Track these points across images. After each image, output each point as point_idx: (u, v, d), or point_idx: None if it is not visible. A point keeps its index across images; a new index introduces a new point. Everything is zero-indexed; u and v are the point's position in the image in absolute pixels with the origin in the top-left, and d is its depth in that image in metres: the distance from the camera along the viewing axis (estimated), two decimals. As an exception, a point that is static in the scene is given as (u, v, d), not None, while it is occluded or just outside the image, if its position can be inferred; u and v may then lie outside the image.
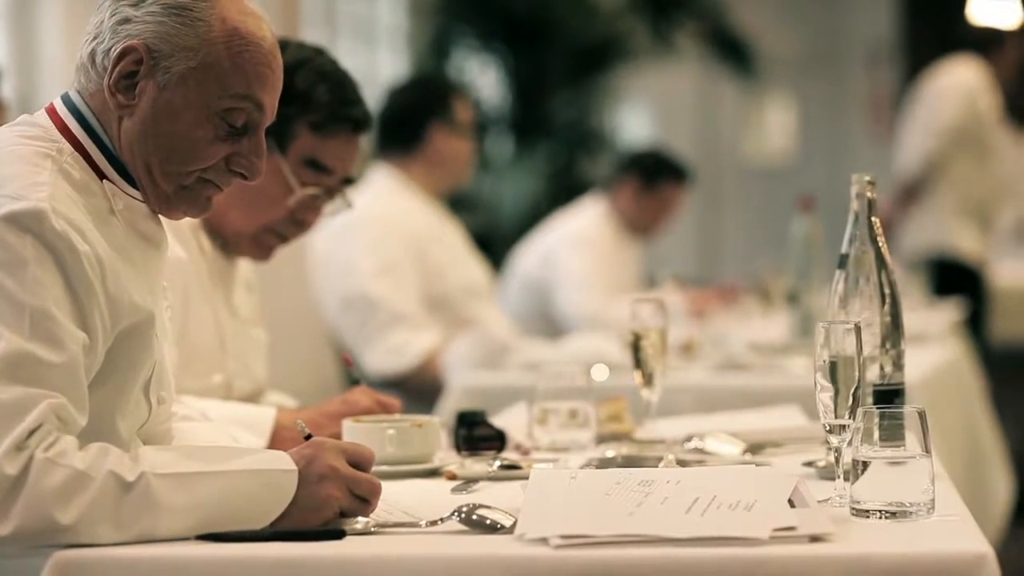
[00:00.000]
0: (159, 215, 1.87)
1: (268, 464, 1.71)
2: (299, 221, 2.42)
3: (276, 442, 2.21)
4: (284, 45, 2.43)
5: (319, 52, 2.48)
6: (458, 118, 4.03)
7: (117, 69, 1.79)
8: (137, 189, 1.82)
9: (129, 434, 1.79)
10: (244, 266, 2.54)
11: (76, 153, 1.79)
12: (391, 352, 3.76)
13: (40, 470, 1.60)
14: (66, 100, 1.83)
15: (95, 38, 1.81)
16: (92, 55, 1.81)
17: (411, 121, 4.04)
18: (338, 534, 1.65)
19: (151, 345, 1.81)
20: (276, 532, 1.65)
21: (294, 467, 1.70)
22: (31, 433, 1.61)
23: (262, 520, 1.67)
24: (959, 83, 6.06)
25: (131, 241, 1.80)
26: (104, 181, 1.80)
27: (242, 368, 2.46)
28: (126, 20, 1.79)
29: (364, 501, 1.71)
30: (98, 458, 1.63)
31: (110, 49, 1.79)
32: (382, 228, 3.91)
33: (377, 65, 10.14)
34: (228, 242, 2.45)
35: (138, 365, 1.79)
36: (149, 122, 1.80)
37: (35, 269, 1.66)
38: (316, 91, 2.41)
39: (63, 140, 1.79)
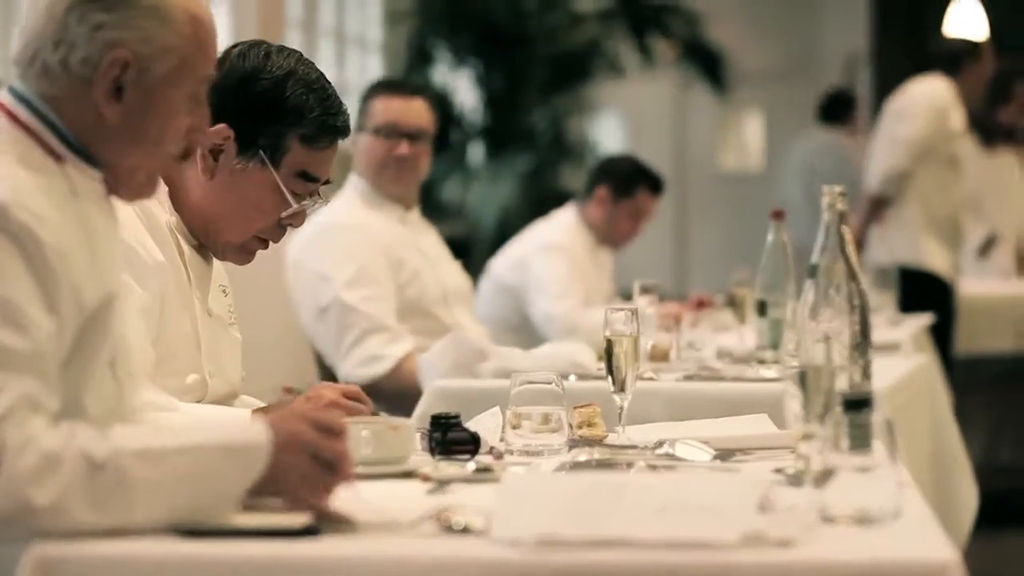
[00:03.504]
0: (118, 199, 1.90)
1: (238, 434, 1.72)
2: (285, 227, 2.48)
3: None
4: (267, 52, 2.47)
5: (300, 60, 2.51)
6: (373, 117, 3.99)
7: (105, 76, 1.81)
8: (93, 169, 1.85)
9: (98, 413, 1.80)
10: (219, 268, 2.57)
11: (31, 140, 1.81)
12: (366, 361, 3.77)
13: (12, 454, 1.61)
14: (15, 94, 1.84)
15: (61, 44, 1.81)
16: (64, 63, 1.81)
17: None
18: (312, 531, 1.65)
19: (112, 324, 1.83)
20: (252, 529, 1.65)
21: (264, 436, 1.71)
22: (1, 418, 1.62)
23: (239, 484, 1.69)
24: (927, 98, 6.10)
25: (92, 221, 1.82)
26: (64, 164, 1.82)
27: (217, 368, 2.48)
28: (100, 26, 1.81)
29: (331, 468, 1.72)
30: (69, 439, 1.64)
31: (89, 57, 1.81)
32: (355, 236, 3.91)
33: (353, 73, 10.14)
34: (215, 249, 2.49)
35: (101, 344, 1.81)
36: (137, 123, 1.83)
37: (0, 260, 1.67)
38: (306, 105, 2.44)
39: (16, 128, 1.81)
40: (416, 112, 3.99)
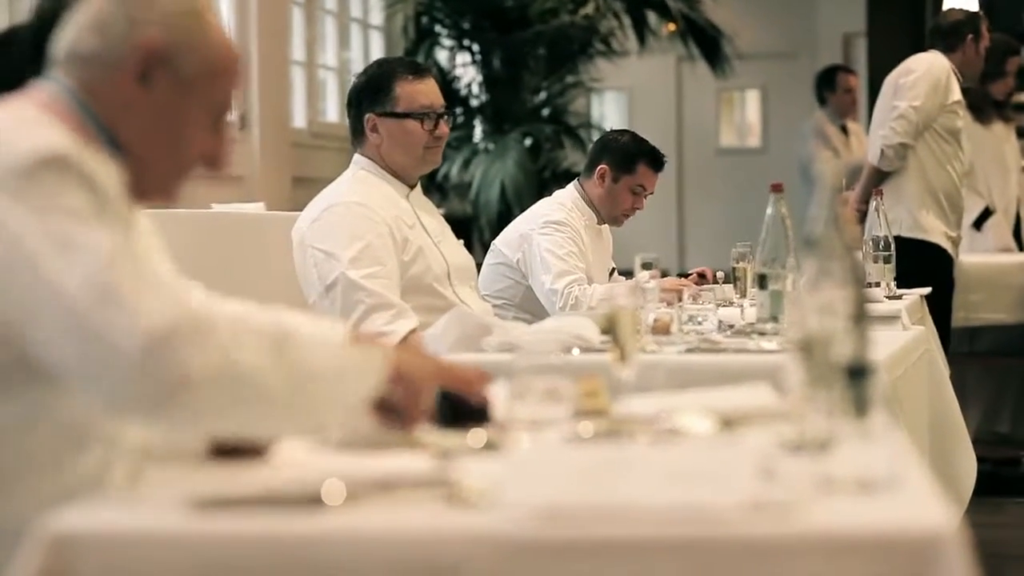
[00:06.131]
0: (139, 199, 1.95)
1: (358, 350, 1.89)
2: None
3: None
4: None
5: None
6: (402, 102, 4.03)
7: (134, 56, 1.86)
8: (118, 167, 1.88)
9: None
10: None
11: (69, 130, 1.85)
12: (371, 337, 3.80)
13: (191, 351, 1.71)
14: (55, 84, 1.88)
15: (98, 31, 1.87)
16: (101, 49, 1.87)
17: (355, 108, 4.10)
18: (316, 502, 1.68)
19: None
20: (260, 498, 1.69)
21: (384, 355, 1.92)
22: (176, 325, 1.70)
23: (361, 392, 1.88)
24: (927, 72, 6.13)
25: (122, 213, 1.86)
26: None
27: None
28: (138, 17, 1.87)
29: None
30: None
31: (125, 43, 1.86)
32: (359, 215, 3.93)
33: (355, 53, 10.15)
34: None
35: None
36: (161, 115, 1.88)
37: (74, 195, 1.73)
38: None
39: (62, 122, 1.85)
40: (436, 90, 4.10)
